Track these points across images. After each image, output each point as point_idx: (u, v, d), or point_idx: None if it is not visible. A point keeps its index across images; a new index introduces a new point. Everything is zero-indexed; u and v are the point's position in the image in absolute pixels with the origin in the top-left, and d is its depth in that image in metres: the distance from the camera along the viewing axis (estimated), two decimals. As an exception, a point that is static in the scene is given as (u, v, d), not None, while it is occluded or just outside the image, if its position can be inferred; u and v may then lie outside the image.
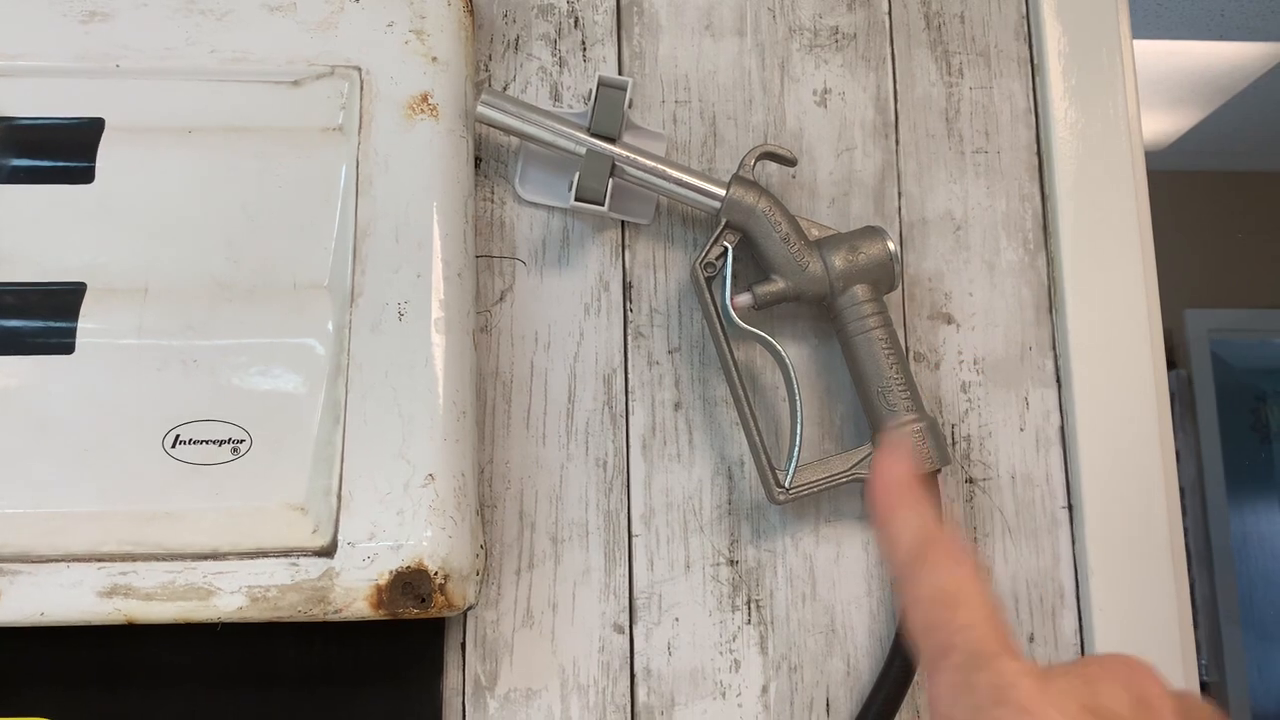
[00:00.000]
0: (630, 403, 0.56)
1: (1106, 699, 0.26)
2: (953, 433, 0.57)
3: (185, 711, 0.50)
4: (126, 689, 0.50)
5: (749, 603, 0.54)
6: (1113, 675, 0.27)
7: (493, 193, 0.58)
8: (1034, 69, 0.61)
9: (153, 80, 0.55)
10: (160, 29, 0.55)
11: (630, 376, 0.56)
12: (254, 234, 0.53)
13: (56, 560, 0.48)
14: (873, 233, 0.55)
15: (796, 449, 0.53)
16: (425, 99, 0.55)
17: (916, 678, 0.52)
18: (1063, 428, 0.57)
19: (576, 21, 0.60)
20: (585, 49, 0.60)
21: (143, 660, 0.50)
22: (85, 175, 0.54)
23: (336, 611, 0.48)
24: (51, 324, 0.51)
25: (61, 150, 0.54)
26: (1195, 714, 0.27)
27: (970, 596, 0.29)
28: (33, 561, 0.48)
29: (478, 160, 0.58)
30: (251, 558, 0.48)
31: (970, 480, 0.56)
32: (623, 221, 0.58)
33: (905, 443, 0.37)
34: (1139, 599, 0.55)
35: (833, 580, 0.55)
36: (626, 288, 0.58)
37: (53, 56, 0.55)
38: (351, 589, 0.48)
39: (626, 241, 0.58)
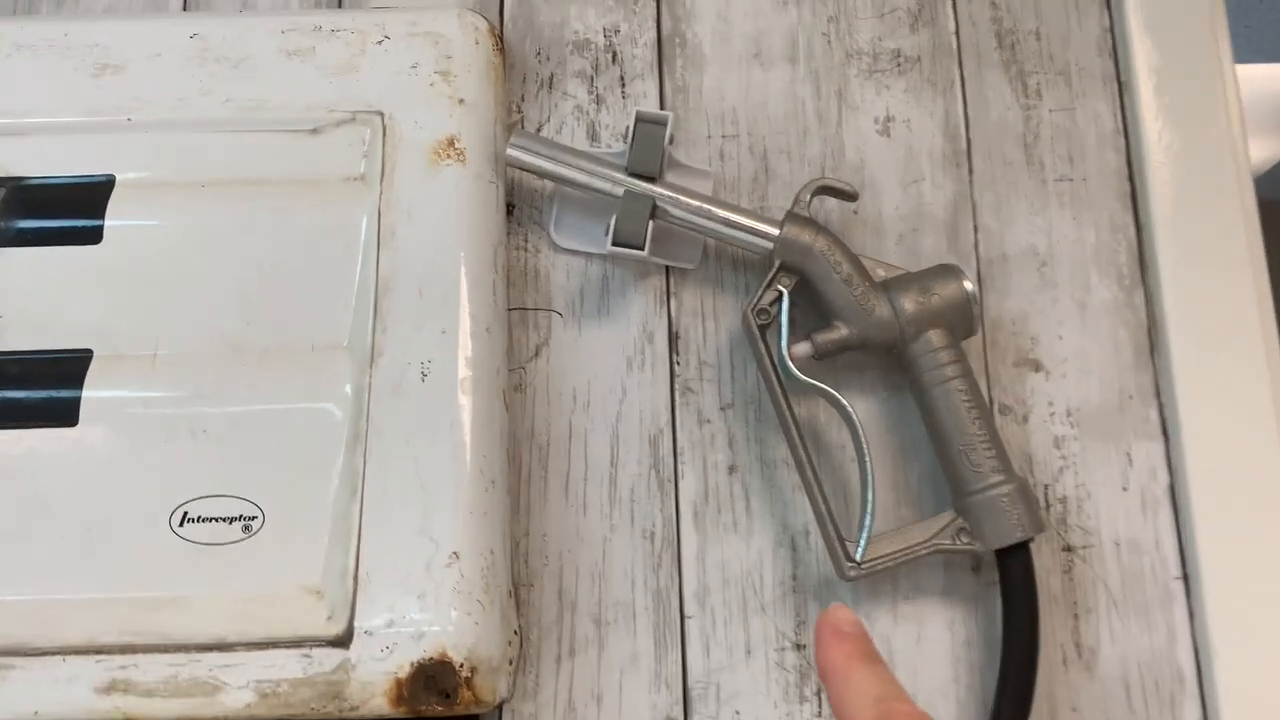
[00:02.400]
0: (679, 466, 0.51)
1: None
2: (1046, 494, 0.50)
3: (193, 819, 0.46)
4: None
5: (820, 693, 0.48)
6: None
7: (526, 240, 0.54)
8: (1121, 87, 0.55)
9: (165, 133, 0.52)
10: (173, 79, 0.52)
11: (679, 437, 0.51)
12: (269, 292, 0.50)
13: (52, 654, 0.44)
14: (947, 271, 0.49)
15: (869, 518, 0.47)
16: (452, 143, 0.51)
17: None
18: (1172, 486, 0.50)
19: (614, 56, 0.56)
20: (624, 85, 0.55)
21: (145, 763, 0.46)
22: (94, 235, 0.50)
23: (353, 709, 0.43)
24: (54, 394, 0.48)
25: (69, 210, 0.51)
26: None
27: None
28: (27, 655, 0.44)
29: (510, 207, 0.54)
30: (261, 648, 0.43)
31: (1068, 548, 0.49)
32: (667, 267, 0.53)
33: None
34: (1274, 683, 0.47)
35: (914, 666, 0.48)
36: (673, 339, 0.52)
37: (62, 113, 0.52)
38: (369, 683, 0.43)
39: (672, 289, 0.53)
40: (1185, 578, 0.49)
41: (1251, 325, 0.51)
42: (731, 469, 0.51)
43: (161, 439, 0.47)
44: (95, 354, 0.48)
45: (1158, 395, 0.51)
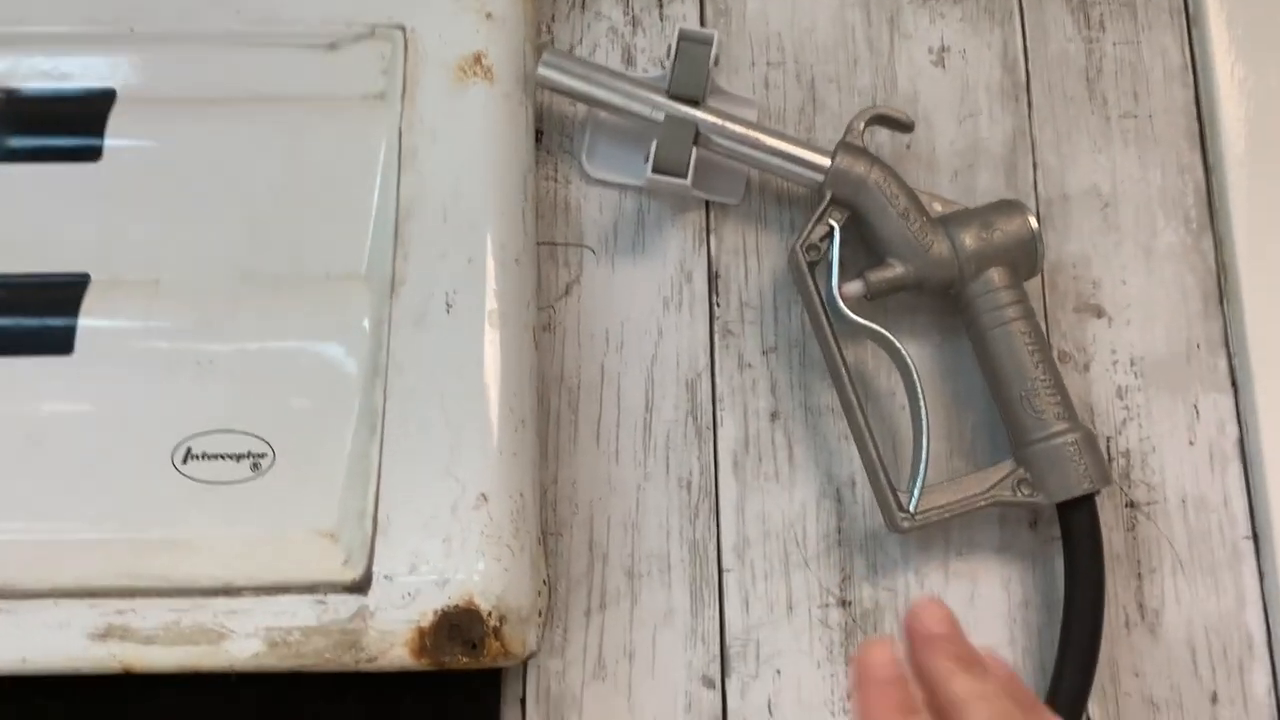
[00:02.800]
0: (719, 412, 0.48)
1: None
2: (1109, 447, 0.47)
3: (194, 777, 0.43)
4: (126, 750, 0.43)
5: (865, 652, 0.45)
6: None
7: (556, 170, 0.50)
8: (1189, 19, 0.52)
9: (170, 46, 0.48)
10: (180, -12, 0.49)
11: (718, 381, 0.48)
12: (281, 217, 0.46)
13: (43, 596, 0.40)
14: (1010, 207, 0.46)
15: (923, 466, 0.44)
16: (478, 60, 0.47)
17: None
18: (1242, 440, 0.47)
19: (651, -22, 0.52)
20: (662, 6, 0.52)
21: (142, 716, 0.42)
22: (92, 153, 0.47)
23: (371, 660, 0.39)
24: (49, 321, 0.44)
25: (67, 126, 0.48)
26: None
27: None
28: (15, 597, 0.40)
29: (539, 134, 0.50)
30: (271, 594, 0.40)
31: (1132, 504, 0.46)
32: (707, 201, 0.50)
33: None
34: (1349, 651, 0.44)
35: (967, 626, 0.44)
36: (712, 278, 0.49)
37: (60, 21, 0.49)
38: (389, 632, 0.40)
39: (712, 225, 0.50)
40: (1255, 537, 0.46)
41: (1325, 273, 0.48)
42: (774, 416, 0.48)
43: (163, 371, 0.44)
44: (92, 279, 0.45)
45: (1227, 345, 0.48)
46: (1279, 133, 0.50)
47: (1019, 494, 0.44)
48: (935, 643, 0.33)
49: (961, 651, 0.33)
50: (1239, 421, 0.48)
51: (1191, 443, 0.47)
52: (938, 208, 0.47)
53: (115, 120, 0.47)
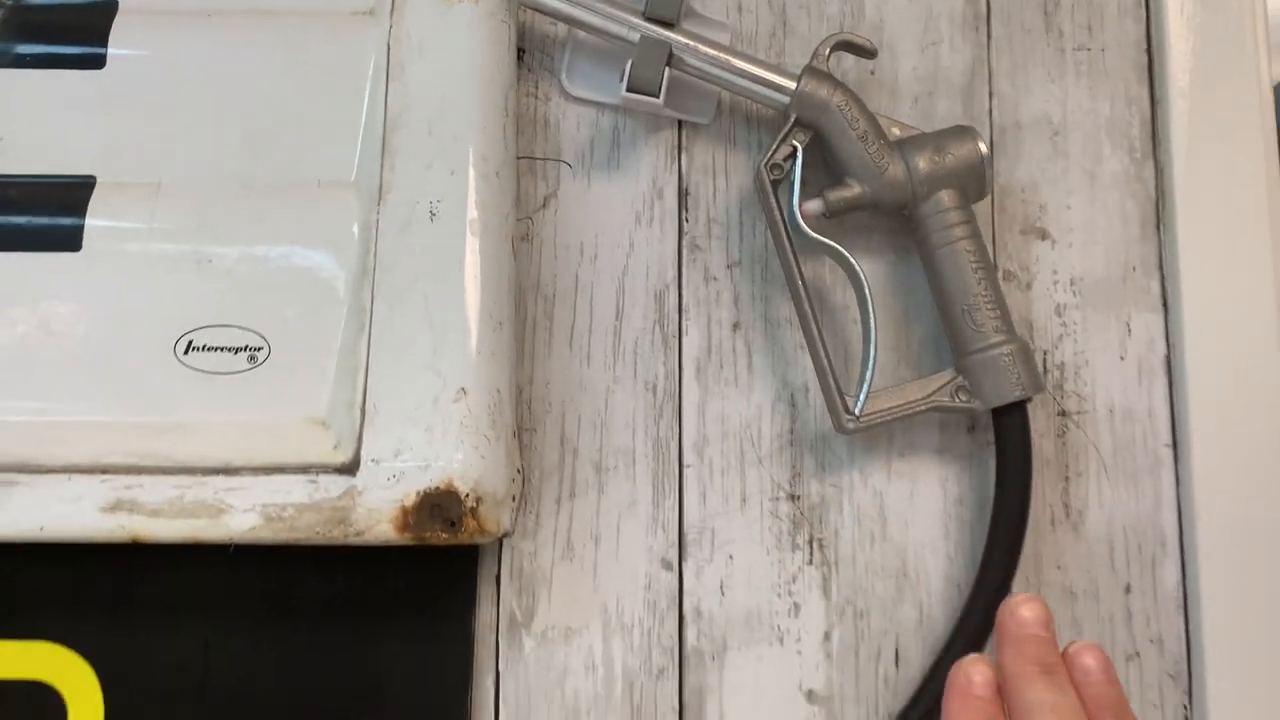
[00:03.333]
0: (684, 322, 0.51)
1: None
2: (1045, 360, 0.51)
3: (197, 639, 0.47)
4: (133, 614, 0.47)
5: (811, 541, 0.49)
6: None
7: (536, 88, 0.53)
8: (1146, -44, 0.54)
9: (169, -42, 0.50)
10: (178, -99, 0.51)
11: (684, 293, 0.51)
12: (275, 126, 0.49)
13: (57, 471, 0.44)
14: (962, 132, 0.49)
15: (870, 372, 0.47)
16: (464, -20, 0.49)
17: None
18: (1169, 357, 0.51)
19: (632, -98, 0.54)
20: (641, -69, 0.54)
21: (151, 583, 0.47)
22: (96, 61, 0.49)
23: (358, 534, 0.43)
24: (58, 220, 0.47)
25: (71, 34, 0.50)
26: None
27: None
28: (31, 472, 0.44)
29: (521, 52, 0.53)
30: (266, 474, 0.44)
31: (1063, 413, 0.50)
32: (679, 121, 0.53)
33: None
34: (1252, 547, 0.49)
35: (905, 520, 0.49)
36: (682, 195, 0.52)
37: (63, -69, 0.51)
38: (375, 510, 0.43)
39: (683, 144, 0.53)
40: (1175, 445, 0.50)
41: (1259, 204, 0.52)
42: (735, 326, 0.51)
43: (165, 268, 0.47)
44: (98, 181, 0.48)
45: (1161, 268, 0.52)
46: (1222, 69, 0.52)
47: (957, 400, 0.48)
48: (1024, 644, 0.34)
49: (1047, 658, 0.34)
50: (1167, 340, 0.51)
51: (1122, 358, 0.51)
52: (896, 132, 0.50)
53: (118, 30, 0.49)
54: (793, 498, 0.50)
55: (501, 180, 0.48)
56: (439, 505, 0.44)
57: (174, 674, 0.46)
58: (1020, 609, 0.35)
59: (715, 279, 0.51)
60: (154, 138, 0.49)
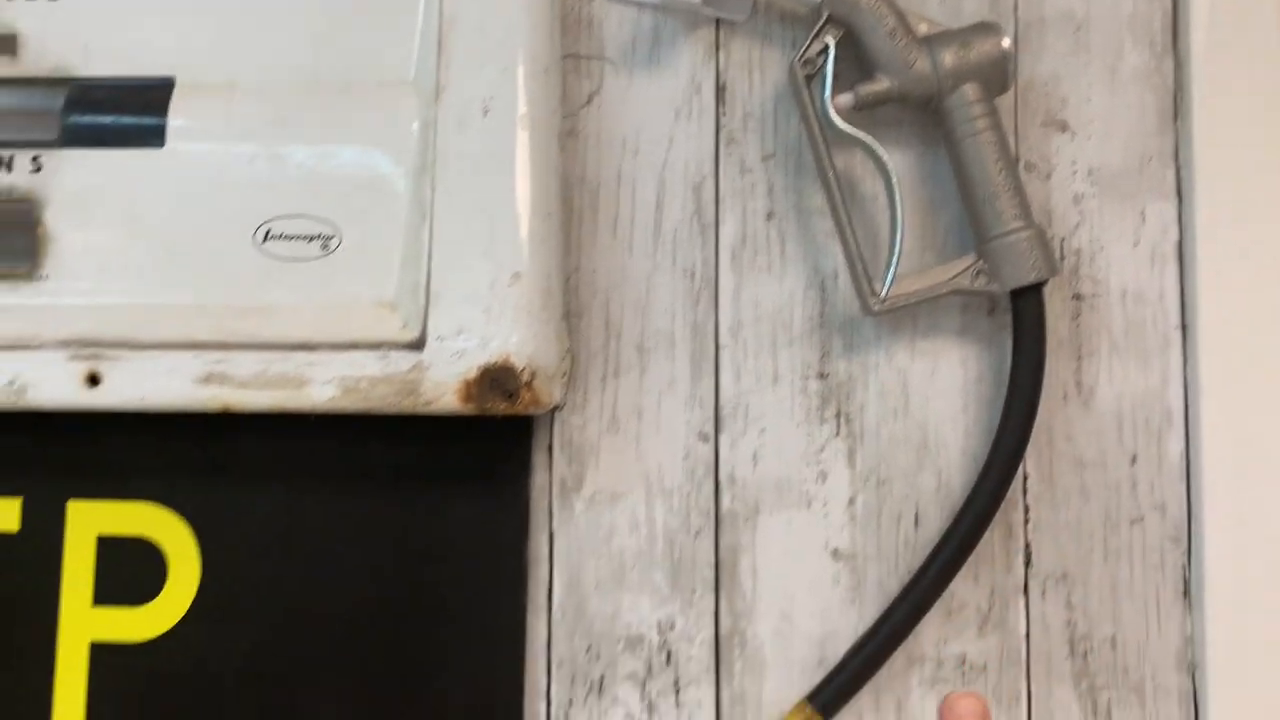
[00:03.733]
0: (721, 212, 0.54)
1: None
2: (1062, 247, 0.54)
3: (280, 501, 0.52)
4: (224, 478, 0.52)
5: (838, 416, 0.53)
6: None
7: (581, -11, 0.56)
8: None
9: None
10: None
11: (721, 184, 0.54)
12: (339, 27, 0.52)
13: (154, 348, 0.49)
14: (986, 28, 0.51)
15: (895, 257, 0.51)
16: (512, -116, 0.52)
17: (1015, 485, 0.51)
18: (1180, 243, 0.54)
19: None
20: None
21: (239, 451, 0.52)
22: (170, -33, 0.53)
23: (427, 404, 0.48)
24: (142, 119, 0.51)
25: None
26: None
27: None
28: (132, 348, 0.49)
29: (566, -45, 0.55)
30: (343, 350, 0.48)
31: (1077, 296, 0.53)
32: (716, 20, 0.55)
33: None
34: (1254, 422, 0.52)
35: (926, 396, 0.53)
36: (719, 90, 0.55)
37: None
38: (441, 383, 0.48)
39: (720, 41, 0.55)
40: (1184, 327, 0.53)
41: (1274, 97, 0.54)
42: (769, 215, 0.54)
43: (242, 163, 0.51)
44: (177, 81, 0.51)
45: (1176, 158, 0.54)
46: (1244, -38, 0.54)
47: (977, 283, 0.51)
48: None
49: None
50: (1180, 226, 0.54)
51: (1136, 244, 0.54)
52: (923, 28, 0.52)
53: (188, -62, 0.53)
54: (821, 376, 0.53)
55: (549, 78, 0.52)
56: (498, 379, 0.48)
57: (261, 532, 0.52)
58: (958, 703, 0.35)
59: (750, 171, 0.55)
60: (228, 40, 0.52)
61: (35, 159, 0.50)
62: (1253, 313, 0.53)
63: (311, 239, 0.50)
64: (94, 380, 0.48)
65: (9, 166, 0.50)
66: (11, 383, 0.48)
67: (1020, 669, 0.52)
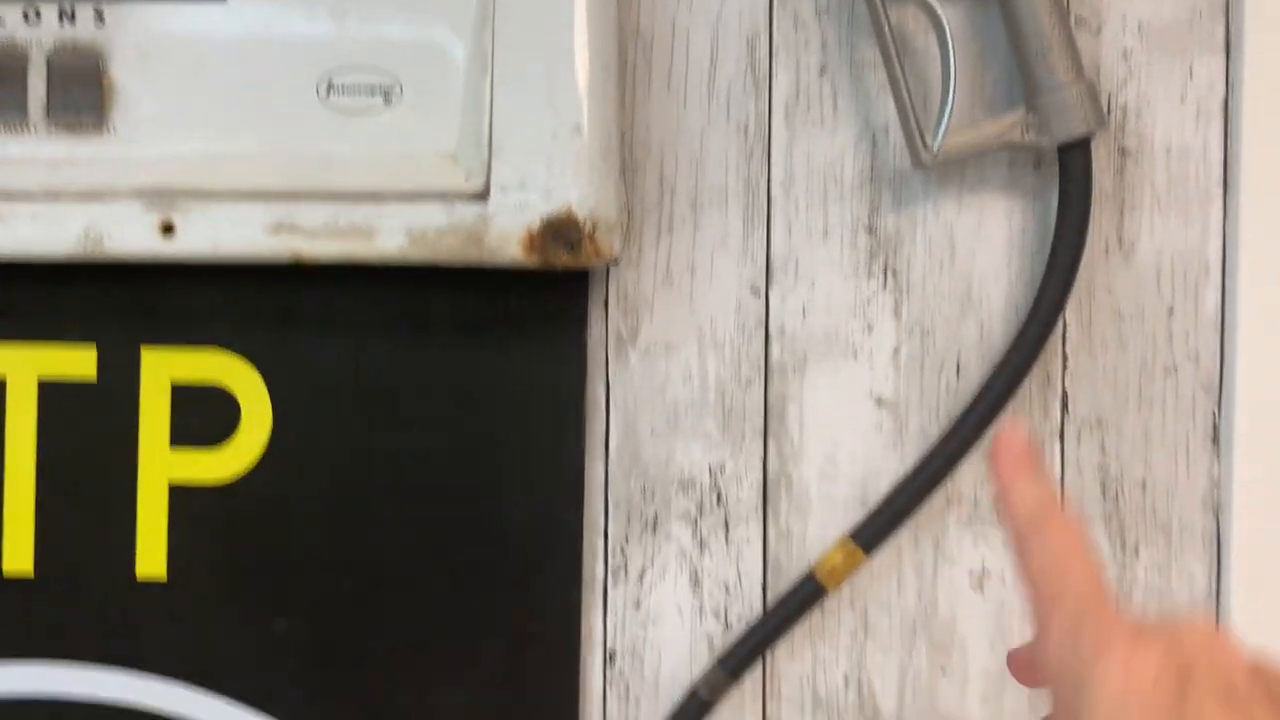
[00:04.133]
0: (774, 66, 0.55)
1: (1196, 675, 0.28)
2: (1109, 102, 0.54)
3: (348, 350, 0.54)
4: (295, 327, 0.54)
5: (885, 269, 0.55)
6: (1202, 653, 0.28)
7: None
8: None
9: None
10: None
11: (775, 38, 0.55)
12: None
13: (226, 197, 0.50)
14: (1045, -124, 0.51)
15: (948, 109, 0.51)
16: None
17: (1054, 335, 0.53)
18: (1227, 100, 0.54)
19: None
20: None
21: (308, 298, 0.53)
22: None
23: (491, 255, 0.49)
24: (201, -30, 0.51)
25: None
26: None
27: (1081, 565, 0.31)
28: (204, 198, 0.50)
29: None
30: (409, 200, 0.50)
31: (1123, 151, 0.54)
32: None
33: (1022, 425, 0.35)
34: (1288, 276, 0.54)
35: (972, 250, 0.55)
36: (773, -57, 0.55)
37: None
38: (505, 233, 0.49)
39: (775, -107, 0.55)
40: (1225, 183, 0.54)
41: (1328, -52, 0.54)
42: (822, 70, 0.55)
43: (303, 17, 0.51)
44: (234, -68, 0.51)
45: (1226, 12, 0.54)
46: None
47: (1026, 136, 0.52)
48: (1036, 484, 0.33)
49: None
50: (1227, 82, 0.54)
51: (1182, 100, 0.55)
52: (981, -123, 0.52)
53: None
54: (870, 230, 0.55)
55: (605, -71, 0.51)
56: (560, 230, 0.49)
57: (330, 380, 0.54)
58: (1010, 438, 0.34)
59: (804, 24, 0.55)
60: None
61: (98, 11, 0.50)
62: (1293, 169, 0.54)
63: (373, 92, 0.50)
64: (168, 229, 0.49)
65: (72, 19, 0.50)
66: (88, 233, 0.50)
67: (1053, 509, 0.55)
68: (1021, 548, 0.32)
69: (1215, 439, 0.54)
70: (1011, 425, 0.32)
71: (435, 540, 0.54)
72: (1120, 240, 0.55)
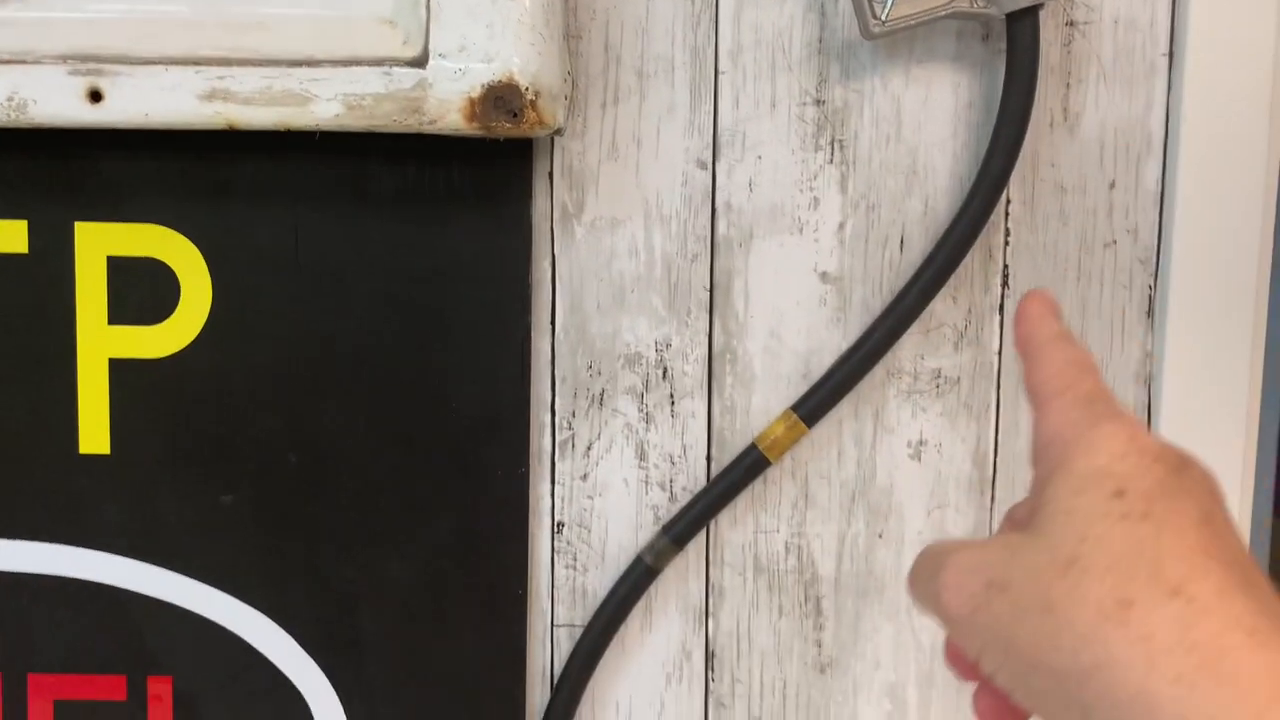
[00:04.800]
0: (721, -69, 0.53)
1: (1192, 468, 0.29)
2: (1059, -29, 0.54)
3: (288, 223, 0.53)
4: (232, 200, 0.53)
5: (833, 142, 0.54)
6: (1200, 465, 0.30)
7: None
8: None
9: None
10: None
11: (722, -98, 0.53)
12: None
13: (155, 63, 0.48)
14: None
15: (896, -24, 0.51)
16: None
17: (997, 210, 0.53)
18: (1176, -29, 0.54)
19: None
20: None
21: (244, 172, 0.52)
22: None
23: (431, 122, 0.48)
24: None
25: None
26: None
27: (1097, 373, 0.32)
28: (132, 64, 0.48)
29: None
30: (345, 65, 0.48)
31: (1071, 23, 0.54)
32: None
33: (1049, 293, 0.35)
34: (1228, 151, 0.54)
35: (919, 122, 0.54)
36: None
37: None
38: (445, 101, 0.48)
39: None
40: (1171, 55, 0.54)
41: None
42: (770, -65, 0.54)
43: None
44: None
45: (1180, -120, 0.54)
46: None
47: (975, 5, 0.51)
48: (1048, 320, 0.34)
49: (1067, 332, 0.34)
50: (1177, -48, 0.54)
51: (1132, -30, 0.54)
52: None
53: None
54: (818, 102, 0.54)
55: None
56: (502, 97, 0.48)
57: (270, 254, 0.53)
58: (1037, 296, 0.34)
59: (752, -111, 0.53)
60: None
61: None
62: (1237, 45, 0.54)
63: (306, -49, 0.49)
64: (96, 96, 0.48)
65: None
66: (11, 98, 0.48)
67: (991, 382, 0.56)
68: (1038, 360, 0.32)
69: (1150, 312, 0.56)
70: (1040, 292, 0.33)
71: (382, 415, 0.54)
72: (1065, 113, 0.55)
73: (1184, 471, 0.29)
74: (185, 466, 0.54)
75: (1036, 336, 0.33)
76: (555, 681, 0.56)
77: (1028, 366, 0.33)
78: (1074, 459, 0.29)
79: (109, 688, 0.55)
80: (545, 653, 0.57)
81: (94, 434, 0.54)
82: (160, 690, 0.55)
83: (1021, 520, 0.31)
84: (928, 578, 0.30)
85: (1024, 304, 0.34)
